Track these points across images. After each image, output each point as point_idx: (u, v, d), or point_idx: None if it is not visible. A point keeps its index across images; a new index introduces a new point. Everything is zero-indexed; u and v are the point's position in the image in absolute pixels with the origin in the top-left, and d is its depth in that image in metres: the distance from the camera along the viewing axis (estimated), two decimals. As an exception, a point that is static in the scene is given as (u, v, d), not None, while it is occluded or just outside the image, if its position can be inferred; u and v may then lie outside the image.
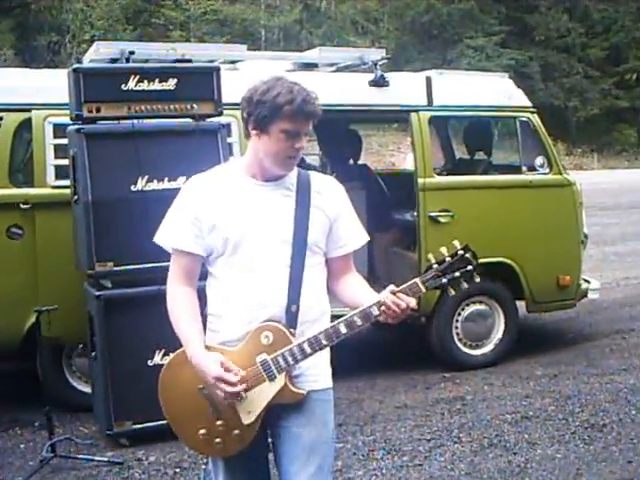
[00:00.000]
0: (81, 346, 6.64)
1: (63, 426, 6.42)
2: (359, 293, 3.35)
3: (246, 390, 3.19)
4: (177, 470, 5.67)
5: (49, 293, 6.38)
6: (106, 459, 5.82)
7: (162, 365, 3.47)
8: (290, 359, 3.18)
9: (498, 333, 8.13)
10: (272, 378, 3.20)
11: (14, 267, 6.52)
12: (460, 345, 8.01)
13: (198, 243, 3.30)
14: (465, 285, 3.29)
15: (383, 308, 3.16)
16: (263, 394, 3.21)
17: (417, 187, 7.62)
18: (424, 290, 3.21)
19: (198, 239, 3.29)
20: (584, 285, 8.60)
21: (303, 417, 3.32)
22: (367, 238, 3.51)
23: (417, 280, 3.21)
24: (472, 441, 6.10)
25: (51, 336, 6.19)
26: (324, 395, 3.39)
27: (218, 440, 3.30)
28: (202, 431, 3.31)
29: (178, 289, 3.36)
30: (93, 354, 6.08)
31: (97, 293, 5.91)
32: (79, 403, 6.70)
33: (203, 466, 3.93)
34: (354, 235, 3.45)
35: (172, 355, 3.41)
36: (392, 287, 3.19)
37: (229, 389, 3.15)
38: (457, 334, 7.99)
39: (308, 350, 3.18)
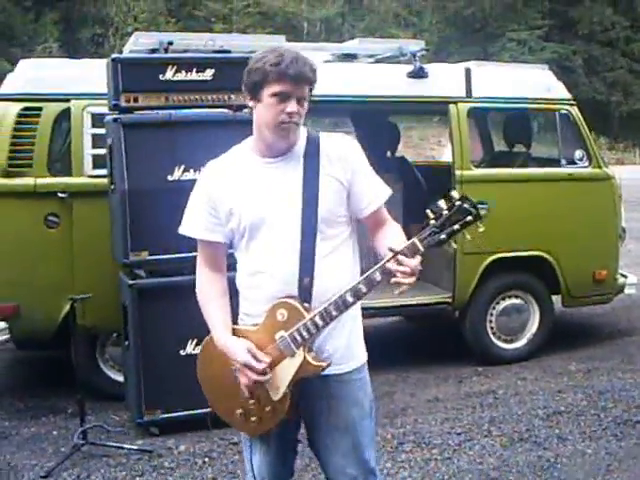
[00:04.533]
0: (115, 335, 6.70)
1: (95, 414, 6.48)
2: (379, 243, 3.31)
3: (270, 368, 3.22)
4: (206, 460, 5.69)
5: (84, 282, 6.44)
6: (136, 447, 5.86)
7: (194, 355, 3.53)
8: (305, 333, 3.18)
9: (533, 327, 8.09)
10: (292, 354, 3.22)
11: (51, 255, 6.58)
12: (494, 339, 7.98)
13: (217, 230, 3.34)
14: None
15: (388, 266, 3.07)
16: (286, 370, 3.24)
17: (454, 179, 7.59)
18: (422, 249, 3.06)
19: (217, 227, 3.33)
20: (621, 280, 8.54)
21: (332, 400, 3.35)
22: (389, 191, 3.40)
23: (415, 239, 3.07)
24: (502, 435, 6.08)
25: (85, 324, 6.25)
26: (355, 374, 3.40)
27: (254, 419, 3.34)
28: (239, 411, 3.36)
29: (204, 275, 3.43)
30: (126, 343, 6.13)
31: (131, 282, 5.95)
32: (111, 391, 6.77)
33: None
34: (377, 191, 3.38)
35: (206, 338, 3.45)
36: (392, 246, 3.09)
37: (256, 377, 3.20)
38: (491, 328, 7.95)
39: (320, 323, 3.17)
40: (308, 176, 3.25)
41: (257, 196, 3.26)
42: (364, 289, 3.15)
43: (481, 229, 3.10)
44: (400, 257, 3.06)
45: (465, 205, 3.06)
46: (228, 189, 3.30)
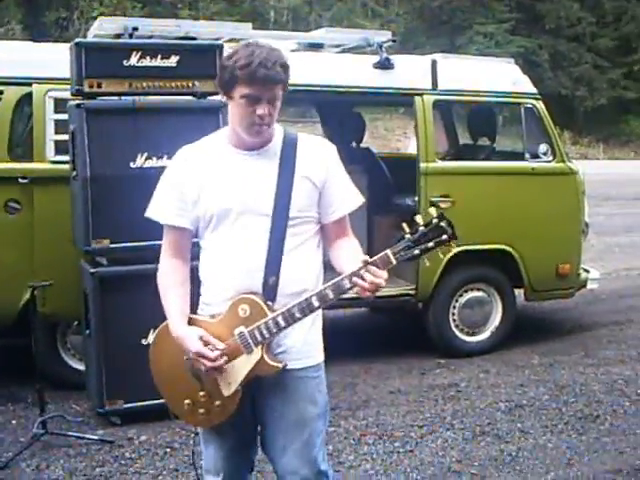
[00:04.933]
0: (76, 323, 6.62)
1: (55, 403, 6.40)
2: (343, 260, 3.27)
3: (225, 362, 3.20)
4: (168, 450, 5.65)
5: (45, 269, 6.35)
6: (97, 437, 5.80)
7: (156, 344, 3.49)
8: (266, 332, 3.16)
9: (495, 321, 8.12)
10: (249, 351, 3.20)
11: (10, 242, 6.49)
12: (457, 332, 7.99)
13: (184, 216, 3.31)
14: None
15: (354, 280, 3.08)
16: (241, 366, 3.21)
17: (419, 171, 7.59)
18: (395, 262, 3.08)
19: (183, 212, 3.30)
20: (584, 275, 8.59)
21: (287, 395, 3.32)
22: (361, 200, 3.43)
23: (388, 252, 3.08)
24: (464, 428, 6.09)
25: (46, 312, 6.18)
26: (311, 372, 3.37)
27: (202, 411, 3.32)
28: (187, 401, 3.34)
29: (167, 262, 3.39)
30: (87, 332, 6.07)
31: (92, 270, 5.88)
32: (72, 380, 6.68)
33: (192, 447, 3.93)
34: (346, 199, 3.38)
35: (160, 326, 3.41)
36: (365, 257, 3.10)
37: (209, 364, 3.18)
38: (454, 320, 7.97)
39: (282, 323, 3.15)
40: (283, 174, 3.24)
41: (228, 186, 3.23)
42: (331, 295, 3.13)
43: (454, 249, 3.13)
44: (370, 267, 3.07)
45: (442, 224, 3.09)
46: (199, 175, 3.26)
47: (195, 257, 3.43)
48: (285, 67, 3.16)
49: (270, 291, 3.21)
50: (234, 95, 3.14)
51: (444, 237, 3.09)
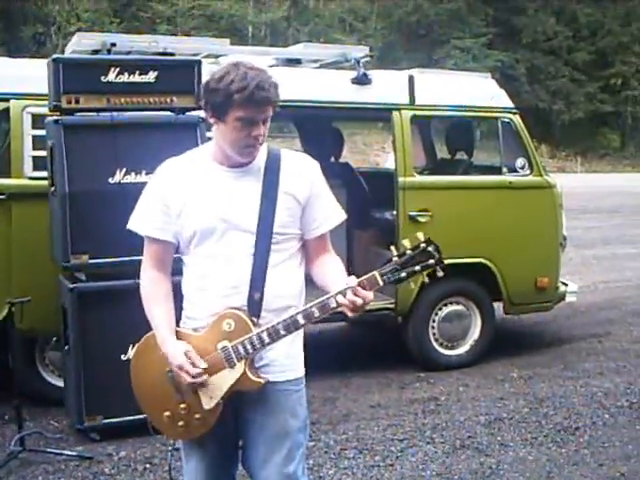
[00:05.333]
0: (54, 339, 6.59)
1: (33, 419, 6.37)
2: (328, 278, 3.29)
3: (208, 376, 3.21)
4: (147, 466, 5.63)
5: (23, 285, 6.32)
6: (75, 453, 5.77)
7: (136, 359, 3.49)
8: (249, 347, 3.18)
9: (474, 334, 8.13)
10: (232, 365, 3.20)
11: (-12, 257, 6.46)
12: (436, 345, 8.00)
13: (167, 229, 3.31)
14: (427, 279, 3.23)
15: (340, 300, 3.10)
16: (223, 380, 3.22)
17: (397, 186, 7.61)
18: (382, 284, 3.12)
19: (167, 225, 3.30)
20: (562, 288, 8.62)
21: (268, 407, 3.33)
22: (343, 216, 3.45)
23: (375, 273, 3.12)
24: (444, 442, 6.09)
25: (24, 328, 6.14)
26: (292, 385, 3.38)
27: (181, 423, 3.33)
28: (166, 413, 3.34)
29: (149, 275, 3.39)
30: (66, 347, 6.04)
31: (71, 286, 5.86)
32: (51, 396, 6.63)
33: (170, 462, 3.92)
34: (328, 215, 3.40)
35: (143, 338, 3.42)
36: (352, 279, 3.12)
37: (189, 380, 3.18)
38: (433, 334, 7.98)
39: (267, 340, 3.17)
40: (267, 191, 3.25)
41: (213, 203, 3.23)
42: (317, 313, 3.15)
43: (440, 274, 3.17)
44: (357, 288, 3.09)
45: (429, 248, 3.14)
46: (183, 189, 3.26)
47: (175, 273, 3.43)
48: (277, 87, 3.18)
49: (255, 307, 3.22)
50: (227, 118, 3.13)
51: (431, 261, 3.15)
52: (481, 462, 5.73)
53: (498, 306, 8.33)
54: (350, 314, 3.13)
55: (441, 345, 8.03)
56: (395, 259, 3.13)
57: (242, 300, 3.22)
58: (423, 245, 3.14)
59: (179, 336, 3.29)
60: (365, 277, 3.12)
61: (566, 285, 8.73)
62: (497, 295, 8.15)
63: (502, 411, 6.75)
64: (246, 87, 3.06)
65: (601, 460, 5.79)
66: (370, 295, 3.11)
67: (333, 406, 6.89)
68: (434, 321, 7.98)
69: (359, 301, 3.08)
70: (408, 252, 3.13)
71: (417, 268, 3.13)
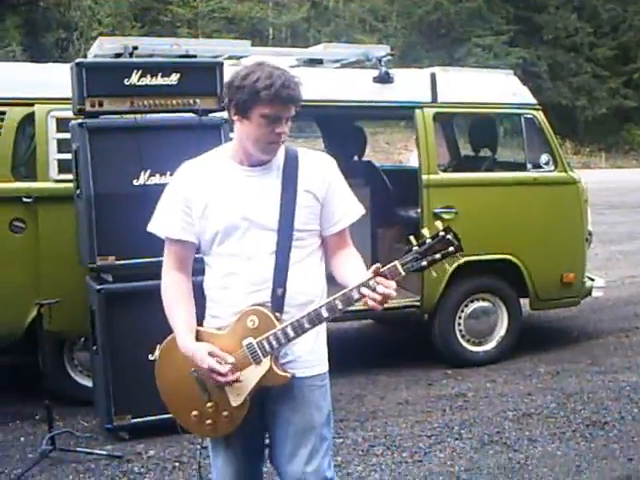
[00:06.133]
0: (82, 340, 6.65)
1: (63, 419, 6.42)
2: (349, 272, 3.30)
3: (237, 376, 3.22)
4: (176, 464, 5.67)
5: (51, 287, 6.38)
6: (105, 452, 5.82)
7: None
8: (274, 343, 3.20)
9: (501, 330, 8.12)
10: (258, 361, 3.22)
11: (16, 260, 6.51)
12: (463, 342, 8.00)
13: (188, 230, 3.34)
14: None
15: (363, 291, 3.11)
16: (250, 377, 3.24)
17: (421, 184, 7.61)
18: (403, 273, 3.13)
19: (188, 226, 3.33)
20: (588, 283, 8.58)
21: (294, 403, 3.36)
22: (362, 211, 3.48)
23: (396, 263, 3.14)
24: (472, 438, 6.10)
25: (52, 330, 6.18)
26: (317, 381, 3.41)
27: (209, 421, 3.35)
28: (194, 413, 3.36)
29: (170, 276, 3.41)
30: (94, 348, 6.08)
31: (98, 287, 5.91)
32: (80, 396, 6.70)
33: (199, 460, 3.94)
34: (347, 211, 3.43)
35: (166, 340, 3.43)
36: (374, 268, 3.13)
37: (222, 379, 3.20)
38: (460, 331, 7.98)
39: (292, 334, 3.19)
40: (286, 189, 3.28)
41: (234, 202, 3.26)
42: (340, 305, 3.17)
43: (460, 261, 3.19)
44: (379, 278, 3.10)
45: (448, 236, 3.16)
46: (204, 190, 3.29)
47: (198, 272, 3.45)
48: (300, 87, 3.22)
49: (278, 303, 3.25)
50: (252, 115, 3.17)
51: (451, 249, 3.16)
52: (509, 457, 5.73)
53: (524, 302, 8.31)
54: (373, 305, 3.12)
55: (468, 342, 8.02)
56: (415, 248, 3.15)
57: (265, 297, 3.25)
58: (442, 233, 3.15)
59: (203, 336, 3.31)
60: (386, 267, 3.13)
61: (593, 280, 8.69)
62: (523, 291, 8.13)
63: (530, 406, 6.75)
64: (272, 85, 3.10)
65: (630, 454, 5.78)
66: (393, 285, 3.11)
67: (361, 403, 6.90)
68: (460, 318, 7.98)
69: (384, 291, 3.08)
70: (428, 241, 3.15)
71: (437, 256, 3.15)
